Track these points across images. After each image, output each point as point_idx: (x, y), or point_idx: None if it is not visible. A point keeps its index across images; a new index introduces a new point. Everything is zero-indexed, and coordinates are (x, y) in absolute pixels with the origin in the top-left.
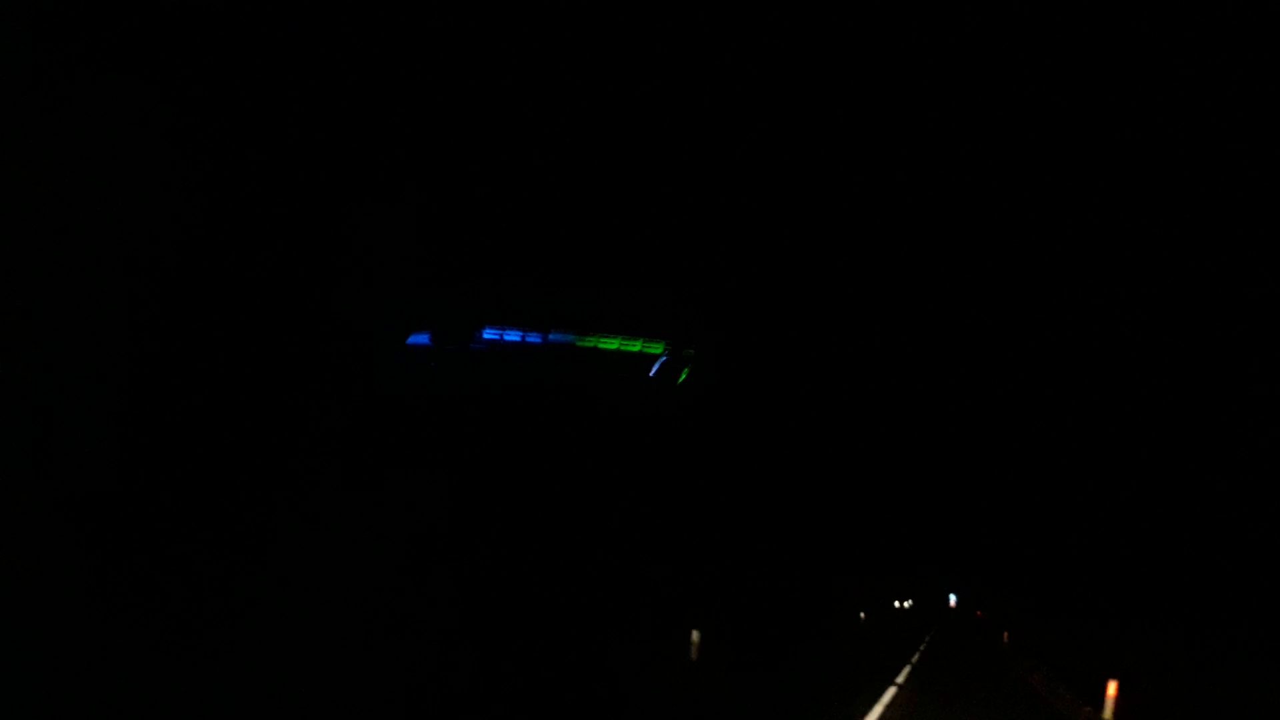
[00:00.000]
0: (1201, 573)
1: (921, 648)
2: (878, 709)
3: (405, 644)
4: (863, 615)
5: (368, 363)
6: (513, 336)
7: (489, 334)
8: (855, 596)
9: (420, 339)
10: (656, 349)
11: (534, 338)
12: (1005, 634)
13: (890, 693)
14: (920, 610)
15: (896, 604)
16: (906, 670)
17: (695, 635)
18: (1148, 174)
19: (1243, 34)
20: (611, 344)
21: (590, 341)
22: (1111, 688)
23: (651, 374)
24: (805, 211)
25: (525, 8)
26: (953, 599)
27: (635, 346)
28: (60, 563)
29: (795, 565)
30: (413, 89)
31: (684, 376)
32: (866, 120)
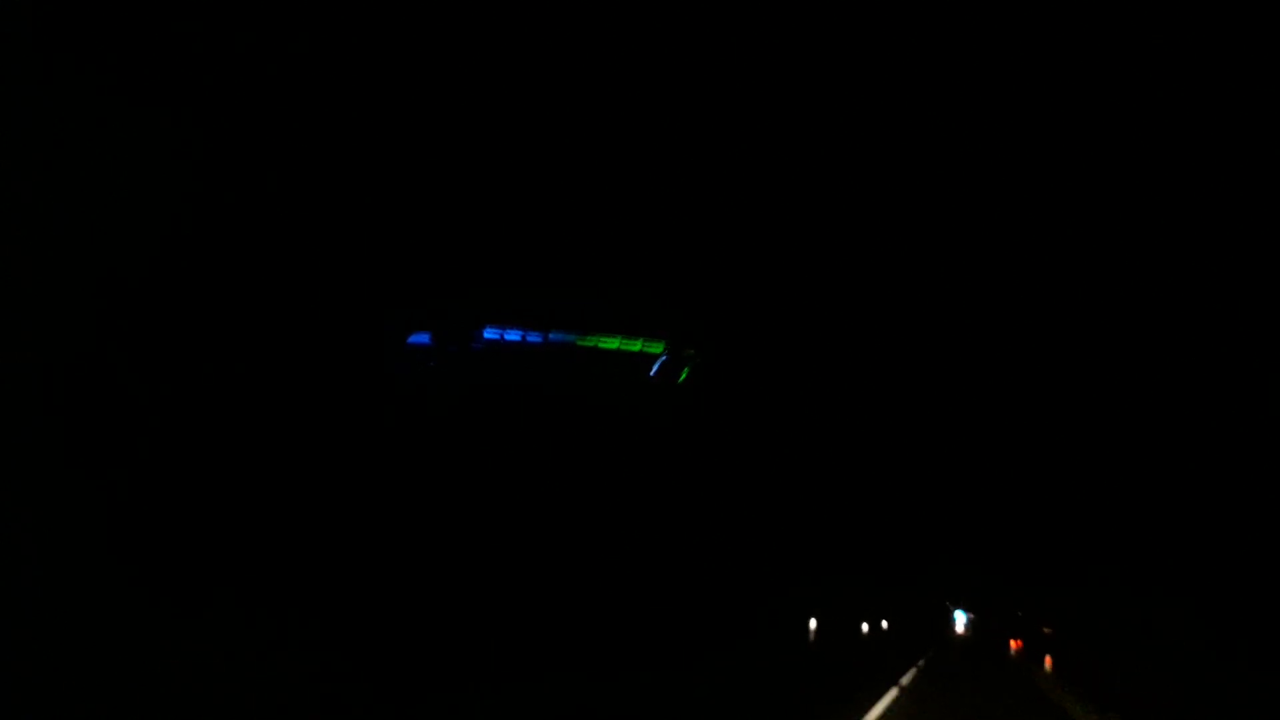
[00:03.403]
0: None
1: None
2: None
3: (404, 643)
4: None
5: (368, 362)
6: (513, 336)
7: (489, 334)
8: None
9: (421, 339)
10: (656, 349)
11: (534, 337)
12: None
13: None
14: (900, 638)
15: (812, 624)
16: None
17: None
18: (1147, 173)
19: (1243, 35)
20: (611, 344)
21: (590, 341)
22: None
23: (651, 374)
24: (806, 212)
25: (525, 8)
26: (960, 620)
27: (635, 346)
28: (59, 563)
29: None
30: (413, 89)
31: (684, 376)
32: (867, 121)
